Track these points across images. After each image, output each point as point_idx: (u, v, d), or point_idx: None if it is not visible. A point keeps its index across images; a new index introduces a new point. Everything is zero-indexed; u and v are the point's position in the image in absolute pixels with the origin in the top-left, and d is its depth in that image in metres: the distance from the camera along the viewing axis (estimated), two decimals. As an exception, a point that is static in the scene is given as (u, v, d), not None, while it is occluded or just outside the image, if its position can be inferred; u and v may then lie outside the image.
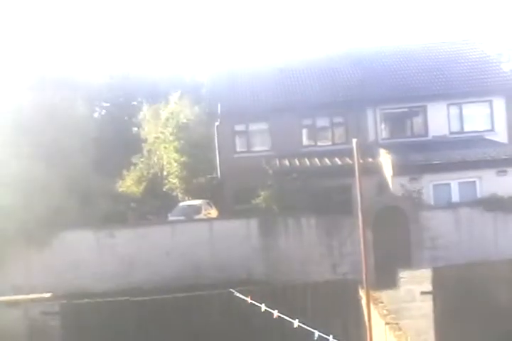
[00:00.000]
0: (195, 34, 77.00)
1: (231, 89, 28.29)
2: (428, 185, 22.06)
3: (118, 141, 36.54)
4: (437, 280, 13.88)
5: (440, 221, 20.52)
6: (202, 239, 20.77)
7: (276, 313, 12.99)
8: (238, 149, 26.94)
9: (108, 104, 46.95)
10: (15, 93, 23.63)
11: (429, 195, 22.00)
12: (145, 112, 38.68)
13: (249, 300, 14.17)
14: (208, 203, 26.03)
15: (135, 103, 44.47)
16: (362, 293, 12.88)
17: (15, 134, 22.55)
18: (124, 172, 32.73)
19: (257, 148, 26.97)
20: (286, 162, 24.67)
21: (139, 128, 39.51)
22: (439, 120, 26.74)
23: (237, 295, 14.54)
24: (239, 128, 27.01)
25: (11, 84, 24.06)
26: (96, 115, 44.38)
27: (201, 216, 23.91)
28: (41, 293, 16.14)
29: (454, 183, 22.24)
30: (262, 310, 13.42)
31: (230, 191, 25.56)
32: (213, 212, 25.60)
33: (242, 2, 76.95)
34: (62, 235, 20.78)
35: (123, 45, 66.94)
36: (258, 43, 72.20)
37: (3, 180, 20.99)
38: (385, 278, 15.74)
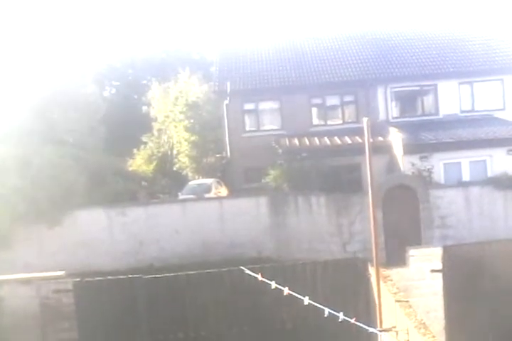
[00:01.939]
0: (204, 10, 76.41)
1: (240, 67, 28.20)
2: (438, 164, 22.02)
3: (128, 120, 36.58)
4: (447, 258, 13.91)
5: (450, 199, 20.52)
6: (212, 217, 20.89)
7: (286, 290, 13.05)
8: (247, 128, 26.94)
9: (118, 83, 46.84)
10: (23, 72, 23.56)
11: (439, 174, 21.96)
12: (154, 91, 38.60)
13: (259, 277, 14.26)
14: (218, 182, 26.11)
15: (144, 82, 44.35)
16: (372, 271, 12.94)
17: (24, 114, 22.59)
18: (135, 151, 32.81)
19: (266, 127, 26.97)
20: (296, 141, 24.64)
21: (148, 107, 39.47)
22: (450, 99, 26.63)
23: (248, 272, 14.62)
24: (248, 106, 26.97)
25: (19, 62, 23.97)
26: (106, 94, 44.30)
27: (211, 194, 24.01)
28: (53, 271, 16.30)
29: (465, 162, 22.17)
30: (272, 287, 13.49)
31: (239, 170, 25.64)
32: (223, 191, 25.69)
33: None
34: (74, 213, 20.93)
35: (132, 22, 66.50)
36: (269, 20, 71.53)
37: (14, 159, 21.10)
38: (395, 256, 15.80)
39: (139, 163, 31.91)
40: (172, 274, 15.83)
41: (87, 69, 31.64)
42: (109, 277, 16.28)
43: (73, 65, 27.44)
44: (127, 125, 35.86)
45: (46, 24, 27.24)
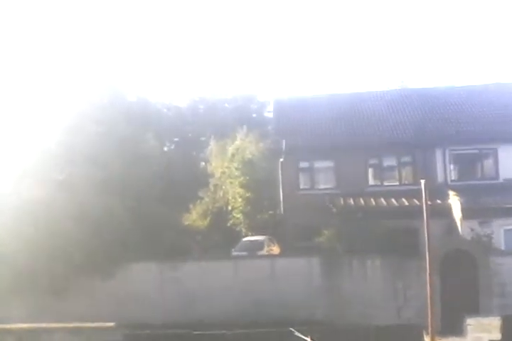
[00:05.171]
0: (263, 71, 78.42)
1: (296, 126, 28.40)
2: (499, 230, 21.35)
3: (186, 175, 37.19)
4: (507, 329, 13.22)
5: (511, 267, 19.67)
6: (263, 275, 20.69)
7: (337, 355, 12.66)
8: (302, 186, 26.91)
9: (177, 139, 48.08)
10: (87, 125, 24.42)
11: (499, 240, 21.26)
12: (212, 147, 39.38)
13: (309, 340, 13.96)
14: (271, 239, 25.99)
15: (203, 138, 45.37)
16: (427, 339, 12.47)
17: (86, 166, 23.26)
18: (191, 205, 33.12)
19: (321, 186, 26.85)
20: (351, 201, 24.41)
21: (206, 163, 40.16)
22: (511, 163, 25.92)
23: (297, 334, 14.35)
24: (303, 165, 27.04)
25: (84, 115, 24.87)
26: (166, 149, 45.43)
27: (263, 252, 23.88)
28: (104, 322, 16.40)
29: (527, 229, 21.45)
30: (323, 351, 13.15)
31: (292, 228, 25.45)
32: (275, 249, 25.52)
33: (311, 40, 78.22)
34: (128, 266, 21.15)
35: (192, 81, 68.90)
36: (325, 80, 72.82)
37: (74, 210, 21.63)
38: (452, 325, 15.14)
39: (195, 217, 32.18)
40: (220, 332, 15.72)
41: (149, 125, 32.68)
42: (158, 331, 16.31)
43: (136, 120, 28.35)
44: (185, 180, 36.46)
45: (110, 78, 28.34)
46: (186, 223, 30.39)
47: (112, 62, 30.36)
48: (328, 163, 26.96)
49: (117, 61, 32.33)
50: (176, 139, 48.12)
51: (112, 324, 16.15)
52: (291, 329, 14.61)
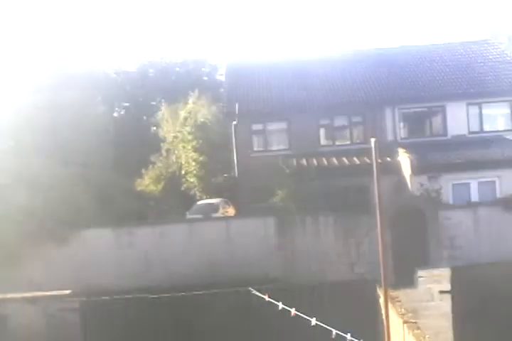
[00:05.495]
0: (214, 32, 77.22)
1: (249, 89, 28.34)
2: (447, 185, 21.98)
3: (137, 140, 36.72)
4: (456, 279, 13.77)
5: (459, 220, 20.31)
6: (219, 237, 20.79)
7: (293, 311, 13.02)
8: (255, 148, 26.98)
9: (127, 104, 47.17)
10: (34, 91, 23.75)
11: (448, 195, 21.93)
12: (164, 111, 38.84)
13: (266, 298, 14.26)
14: (226, 202, 26.09)
15: (154, 103, 44.60)
16: (380, 292, 12.84)
17: (34, 133, 22.74)
18: (143, 171, 32.87)
19: (274, 147, 27.00)
20: (304, 161, 24.63)
21: (157, 127, 39.69)
22: (458, 120, 26.52)
23: (255, 293, 14.62)
24: (256, 127, 27.04)
25: (30, 82, 24.17)
26: (115, 114, 44.60)
27: (219, 214, 23.98)
28: (60, 289, 16.29)
29: (474, 183, 22.14)
30: (279, 308, 13.47)
31: (247, 190, 25.55)
32: (231, 211, 25.66)
33: (263, 1, 77.16)
34: (82, 233, 20.91)
35: (142, 43, 67.35)
36: (278, 42, 72.30)
37: (24, 178, 21.21)
38: (403, 278, 15.63)
39: (147, 182, 31.97)
40: (179, 294, 15.84)
41: (97, 90, 31.94)
42: (116, 296, 16.30)
43: (84, 85, 27.66)
44: (136, 145, 36.01)
45: (56, 42, 27.50)
46: (139, 188, 30.15)
47: (57, 25, 29.39)
48: (281, 125, 27.05)
49: (62, 24, 31.27)
50: (125, 104, 47.22)
51: (67, 291, 16.06)
52: (249, 288, 14.86)
